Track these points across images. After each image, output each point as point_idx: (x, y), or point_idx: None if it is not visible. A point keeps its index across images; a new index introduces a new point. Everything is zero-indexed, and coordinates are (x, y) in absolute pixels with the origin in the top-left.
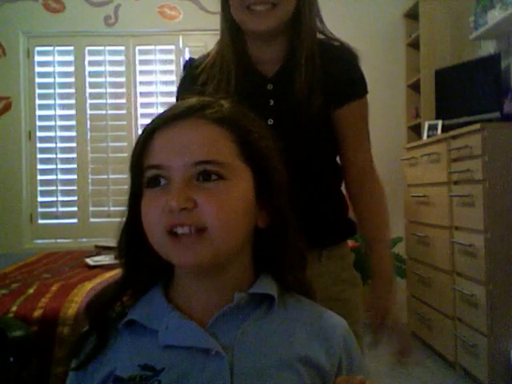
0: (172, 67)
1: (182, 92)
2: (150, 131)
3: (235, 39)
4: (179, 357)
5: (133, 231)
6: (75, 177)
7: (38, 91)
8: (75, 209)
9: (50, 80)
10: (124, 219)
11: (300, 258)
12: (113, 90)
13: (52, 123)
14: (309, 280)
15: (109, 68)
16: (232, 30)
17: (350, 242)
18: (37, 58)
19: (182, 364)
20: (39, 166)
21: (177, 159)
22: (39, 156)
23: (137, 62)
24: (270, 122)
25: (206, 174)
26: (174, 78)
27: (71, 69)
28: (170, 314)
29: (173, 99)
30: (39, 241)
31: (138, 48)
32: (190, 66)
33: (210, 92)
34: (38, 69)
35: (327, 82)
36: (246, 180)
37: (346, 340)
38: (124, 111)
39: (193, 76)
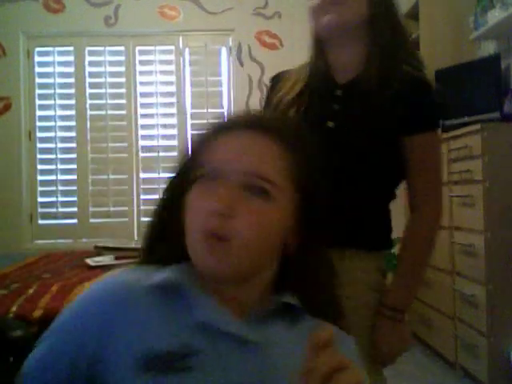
0: (172, 68)
1: (264, 103)
2: (213, 132)
3: (318, 50)
4: (217, 341)
5: (164, 228)
6: (75, 177)
7: (37, 91)
8: (75, 209)
9: (50, 80)
10: (155, 216)
11: (330, 275)
12: (113, 91)
13: (52, 123)
14: (339, 300)
15: (109, 68)
16: (316, 41)
17: None
18: (37, 59)
19: (220, 349)
20: (39, 167)
21: (231, 164)
22: (39, 156)
23: (137, 63)
24: (331, 124)
25: (253, 187)
26: (174, 78)
27: (71, 69)
28: (208, 296)
29: (173, 99)
30: (39, 241)
31: (138, 48)
32: (276, 77)
33: (280, 93)
34: (37, 69)
35: (399, 107)
36: (289, 205)
37: (355, 351)
38: (124, 111)
39: (274, 84)
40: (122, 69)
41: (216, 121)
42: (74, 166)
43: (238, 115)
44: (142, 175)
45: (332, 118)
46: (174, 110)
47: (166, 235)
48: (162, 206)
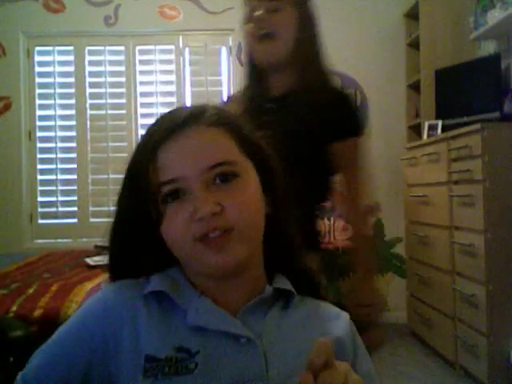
0: (172, 67)
1: None
2: (152, 148)
3: (254, 73)
4: (212, 341)
5: (127, 239)
6: (75, 177)
7: (37, 91)
8: (75, 209)
9: (50, 80)
10: (113, 227)
11: (300, 245)
12: (113, 90)
13: (52, 123)
14: (315, 273)
15: (109, 68)
16: (251, 67)
17: (346, 243)
18: (37, 58)
19: (215, 348)
20: (39, 166)
21: (191, 168)
22: (39, 156)
23: (137, 62)
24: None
25: (223, 175)
26: (174, 77)
27: (71, 69)
28: (199, 298)
29: (173, 99)
30: (39, 241)
31: (137, 48)
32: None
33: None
34: (37, 69)
35: (324, 117)
36: (253, 173)
37: (351, 325)
38: (124, 111)
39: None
40: (122, 68)
41: (156, 126)
42: (74, 166)
43: (167, 120)
44: None
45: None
46: None
47: (136, 250)
48: (125, 221)
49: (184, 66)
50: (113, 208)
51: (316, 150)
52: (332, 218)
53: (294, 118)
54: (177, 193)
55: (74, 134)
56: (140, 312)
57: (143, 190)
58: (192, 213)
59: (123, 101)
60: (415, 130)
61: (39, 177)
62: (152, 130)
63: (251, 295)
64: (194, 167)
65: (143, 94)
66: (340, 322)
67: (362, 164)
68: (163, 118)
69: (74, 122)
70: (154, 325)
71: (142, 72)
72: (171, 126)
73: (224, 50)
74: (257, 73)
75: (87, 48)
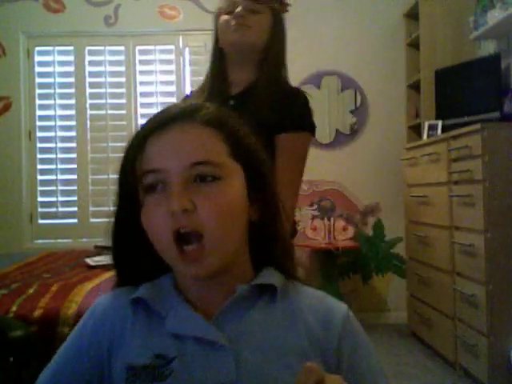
0: (172, 67)
1: None
2: (143, 137)
3: (219, 65)
4: (188, 347)
5: (127, 238)
6: (75, 177)
7: (37, 91)
8: (75, 209)
9: (50, 80)
10: (113, 225)
11: (290, 246)
12: (113, 90)
13: (52, 123)
14: (295, 269)
15: (109, 68)
16: (216, 57)
17: (350, 243)
18: (37, 58)
19: (191, 354)
20: (39, 166)
21: (173, 162)
22: (39, 156)
23: (137, 62)
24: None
25: (202, 175)
26: (174, 78)
27: (71, 69)
28: (178, 305)
29: (173, 99)
30: (39, 241)
31: (137, 48)
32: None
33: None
34: (37, 69)
35: (276, 111)
36: (238, 178)
37: (345, 322)
38: (124, 111)
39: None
40: (122, 68)
41: (144, 122)
42: (74, 166)
43: (162, 112)
44: None
45: None
46: None
47: (132, 247)
48: (119, 218)
49: (184, 65)
50: (113, 208)
51: (270, 143)
52: (332, 218)
53: (251, 114)
54: (157, 185)
55: (74, 134)
56: (128, 319)
57: (131, 177)
58: (167, 207)
59: (123, 101)
60: (415, 130)
61: (39, 177)
62: (147, 121)
63: (228, 299)
64: (175, 162)
65: (143, 94)
66: (330, 317)
67: (297, 160)
68: (161, 111)
69: (74, 122)
70: (139, 332)
71: (141, 72)
72: (162, 119)
73: None
74: (221, 68)
75: (87, 48)
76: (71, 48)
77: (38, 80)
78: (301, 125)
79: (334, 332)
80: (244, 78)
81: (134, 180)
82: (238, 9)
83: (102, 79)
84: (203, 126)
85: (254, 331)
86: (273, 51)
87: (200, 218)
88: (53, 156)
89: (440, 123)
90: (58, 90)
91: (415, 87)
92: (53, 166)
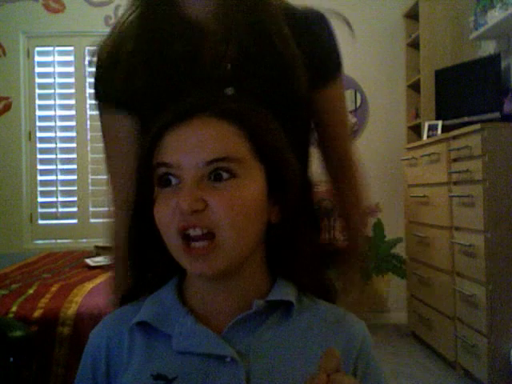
0: None
1: None
2: (160, 128)
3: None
4: (193, 364)
5: (139, 230)
6: (75, 177)
7: (37, 91)
8: (75, 209)
9: (50, 80)
10: (129, 217)
11: (315, 256)
12: None
13: (52, 124)
14: (329, 280)
15: None
16: None
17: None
18: (37, 58)
19: (195, 372)
20: (39, 167)
21: (188, 158)
22: (39, 156)
23: None
24: (230, 91)
25: (218, 173)
26: None
27: (71, 69)
28: (183, 319)
29: None
30: (39, 241)
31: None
32: None
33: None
34: (37, 69)
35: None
36: (258, 177)
37: (363, 344)
38: None
39: None
40: None
41: (158, 116)
42: (74, 167)
43: (182, 102)
44: None
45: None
46: None
47: (143, 240)
48: (134, 209)
49: None
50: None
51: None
52: (332, 219)
53: (262, 77)
54: (169, 179)
55: (74, 134)
56: (124, 346)
57: (147, 170)
58: (176, 205)
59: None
60: (415, 130)
61: (39, 177)
62: (166, 111)
63: (245, 306)
64: (190, 158)
65: None
66: (351, 341)
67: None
68: (180, 100)
69: (74, 123)
70: (137, 355)
71: None
72: (181, 111)
73: None
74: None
75: (87, 48)
76: (71, 48)
77: (38, 80)
78: (338, 66)
79: (353, 356)
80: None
81: (148, 172)
82: None
83: None
84: (223, 119)
85: (265, 347)
86: None
87: (212, 217)
88: (53, 156)
89: (440, 123)
90: (58, 91)
91: (415, 87)
92: (53, 167)
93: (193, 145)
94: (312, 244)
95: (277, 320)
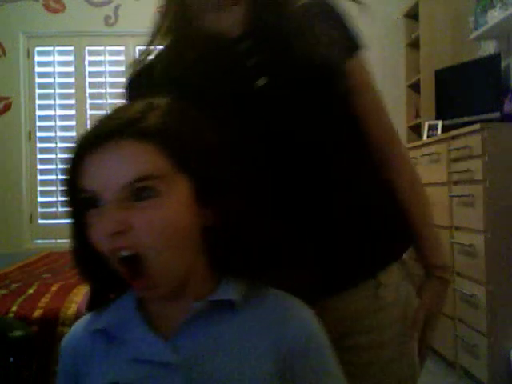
0: None
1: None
2: (78, 154)
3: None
4: (143, 371)
5: (84, 251)
6: None
7: (38, 91)
8: None
9: (50, 80)
10: (72, 238)
11: (257, 259)
12: (113, 90)
13: (52, 123)
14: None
15: (109, 68)
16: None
17: None
18: (37, 58)
19: (144, 379)
20: (39, 167)
21: (105, 184)
22: (39, 156)
23: None
24: (263, 82)
25: (138, 193)
26: None
27: (71, 69)
28: (138, 326)
29: None
30: (39, 241)
31: (138, 48)
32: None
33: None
34: (38, 69)
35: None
36: (183, 190)
37: (305, 342)
38: None
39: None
40: (123, 68)
41: (79, 138)
42: None
43: (97, 125)
44: None
45: (256, 76)
46: None
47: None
48: (74, 231)
49: None
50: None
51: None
52: None
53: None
54: (94, 201)
55: (74, 134)
56: (88, 351)
57: (74, 193)
58: (101, 228)
59: (123, 101)
60: (415, 129)
61: (39, 177)
62: (82, 137)
63: (188, 314)
64: (107, 184)
65: None
66: (275, 335)
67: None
68: (98, 123)
69: (74, 123)
70: (98, 362)
71: None
72: (97, 136)
73: None
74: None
75: (87, 48)
76: (71, 48)
77: (38, 80)
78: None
79: (280, 357)
80: (233, 24)
81: (75, 194)
82: None
83: (101, 79)
84: (141, 140)
85: (209, 350)
86: None
87: (138, 238)
88: (53, 156)
89: (440, 123)
90: (58, 90)
91: (415, 87)
92: (53, 166)
93: (107, 171)
94: (262, 233)
95: (219, 321)
